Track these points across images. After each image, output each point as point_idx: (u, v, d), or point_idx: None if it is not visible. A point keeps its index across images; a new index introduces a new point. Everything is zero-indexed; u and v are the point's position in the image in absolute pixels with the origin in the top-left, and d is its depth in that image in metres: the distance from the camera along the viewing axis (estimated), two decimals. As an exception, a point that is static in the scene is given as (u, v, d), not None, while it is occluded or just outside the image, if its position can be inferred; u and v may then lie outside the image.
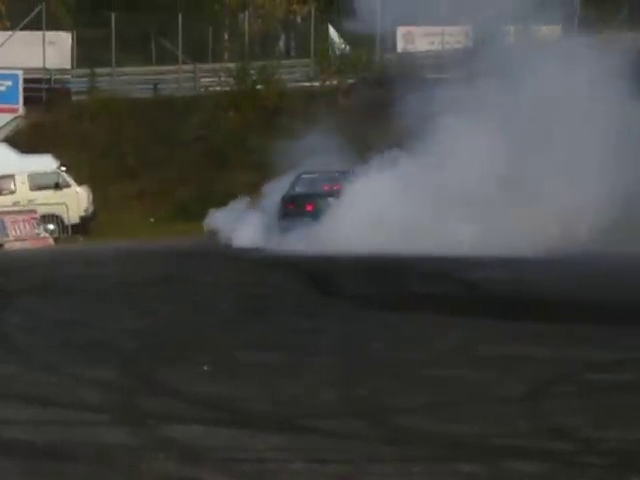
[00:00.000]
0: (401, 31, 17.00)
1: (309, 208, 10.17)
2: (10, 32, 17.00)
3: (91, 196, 13.87)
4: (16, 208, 13.28)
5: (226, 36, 19.20)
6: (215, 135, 15.32)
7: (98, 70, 16.72)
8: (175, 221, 13.88)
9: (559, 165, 9.43)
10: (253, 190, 12.08)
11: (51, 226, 13.18)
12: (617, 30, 10.25)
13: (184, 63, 17.13)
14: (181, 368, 4.30)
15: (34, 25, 16.83)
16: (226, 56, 18.41)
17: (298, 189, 10.77)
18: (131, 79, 16.93)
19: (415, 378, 4.10)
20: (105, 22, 16.58)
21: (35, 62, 16.39)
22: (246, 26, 18.31)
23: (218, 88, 16.35)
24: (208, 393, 3.81)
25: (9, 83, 16.23)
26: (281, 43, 19.71)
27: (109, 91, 16.35)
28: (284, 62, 17.11)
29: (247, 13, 18.91)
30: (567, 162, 9.40)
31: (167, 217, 14.35)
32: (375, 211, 9.42)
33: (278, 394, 3.79)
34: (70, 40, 16.93)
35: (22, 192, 13.63)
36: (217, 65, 17.12)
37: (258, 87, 16.04)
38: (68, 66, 16.94)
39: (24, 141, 14.97)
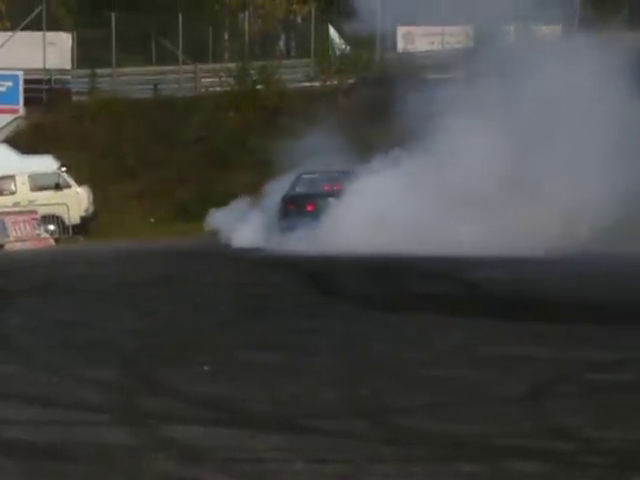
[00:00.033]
0: (401, 31, 17.00)
1: (309, 208, 10.17)
2: (10, 33, 17.02)
3: (91, 196, 13.89)
4: (17, 209, 13.30)
5: (226, 36, 19.21)
6: (215, 135, 15.32)
7: (98, 70, 16.74)
8: (175, 221, 13.89)
9: (560, 165, 9.42)
10: (253, 190, 12.08)
11: (52, 226, 13.20)
12: (617, 30, 10.25)
13: (184, 63, 17.14)
14: (181, 368, 4.30)
15: (34, 26, 16.84)
16: (226, 56, 18.42)
17: (298, 189, 10.77)
18: (131, 79, 16.94)
19: (416, 378, 4.10)
20: (105, 22, 16.60)
21: (35, 63, 16.41)
22: (246, 26, 18.32)
23: (218, 88, 16.37)
24: (208, 393, 3.81)
25: (9, 84, 16.24)
26: (281, 43, 19.72)
27: (109, 91, 16.37)
28: (284, 62, 17.12)
29: (247, 13, 18.92)
30: (568, 162, 9.40)
31: (167, 217, 14.36)
32: (376, 211, 9.42)
33: (278, 394, 3.78)
34: (70, 41, 16.94)
35: (22, 193, 13.65)
36: (217, 65, 17.13)
37: (258, 87, 16.05)
38: (68, 67, 16.96)
39: (24, 142, 14.99)
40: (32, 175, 13.60)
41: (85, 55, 16.79)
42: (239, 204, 11.71)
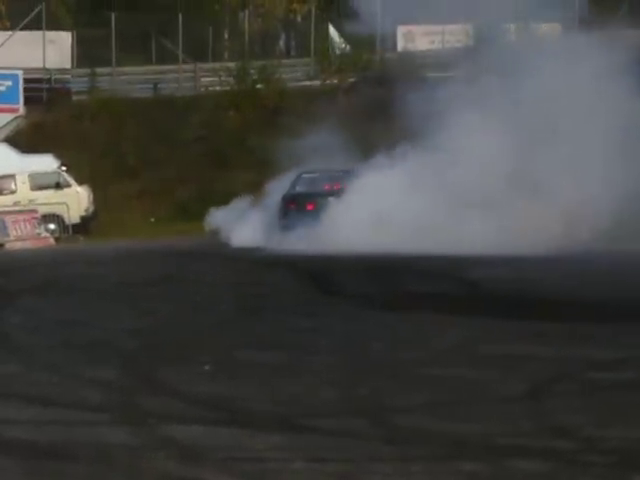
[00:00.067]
0: (401, 30, 16.97)
1: (310, 207, 10.16)
2: (10, 32, 17.00)
3: (92, 196, 13.87)
4: (17, 208, 13.29)
5: (226, 35, 19.19)
6: (215, 135, 15.30)
7: (98, 70, 16.72)
8: (175, 221, 13.87)
9: (562, 163, 9.40)
10: (253, 189, 12.07)
11: (52, 226, 13.19)
12: (617, 27, 10.23)
13: (184, 63, 17.12)
14: (181, 368, 4.30)
15: (34, 25, 16.83)
16: (226, 55, 18.40)
17: (299, 188, 10.77)
18: (131, 79, 16.92)
19: (415, 377, 4.09)
20: (105, 22, 16.58)
21: (35, 62, 16.39)
22: (246, 25, 18.30)
23: (218, 87, 16.33)
24: (208, 393, 3.81)
25: (9, 83, 16.23)
26: (281, 42, 19.70)
27: (109, 91, 16.34)
28: (284, 61, 17.09)
29: (247, 12, 18.90)
30: (569, 160, 9.38)
31: (167, 217, 14.35)
32: (375, 210, 9.41)
33: (278, 393, 3.78)
34: (70, 40, 16.92)
35: (23, 192, 13.64)
36: (217, 64, 17.10)
37: (258, 86, 16.03)
38: (68, 66, 16.94)
39: (24, 141, 14.97)
40: (32, 174, 13.59)
41: (85, 54, 16.78)
42: (239, 203, 11.70)
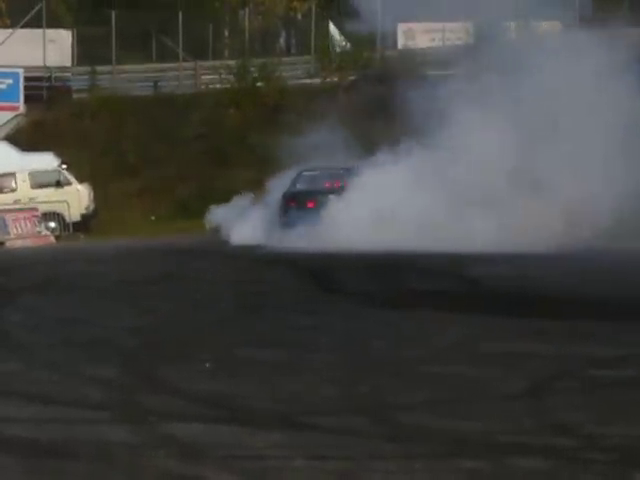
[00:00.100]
0: (402, 27, 16.94)
1: (310, 205, 10.15)
2: (11, 30, 16.97)
3: (92, 194, 13.86)
4: (17, 206, 13.28)
5: (226, 33, 19.15)
6: (215, 132, 15.28)
7: (98, 68, 16.69)
8: (176, 219, 13.86)
9: (563, 161, 9.38)
10: (254, 187, 12.05)
11: (52, 224, 13.18)
12: (617, 26, 10.21)
13: (184, 60, 17.09)
14: (181, 366, 4.29)
15: (34, 23, 16.80)
16: (226, 53, 18.36)
17: (299, 186, 10.76)
18: (131, 77, 16.89)
19: (416, 375, 4.09)
20: (105, 20, 16.55)
21: (36, 60, 16.37)
22: (246, 23, 18.26)
23: (218, 85, 16.31)
24: (208, 391, 3.80)
25: (10, 81, 16.21)
26: (281, 40, 19.66)
27: (109, 89, 16.33)
28: (285, 59, 17.06)
29: (247, 10, 18.85)
30: (570, 158, 9.36)
31: (168, 215, 14.34)
32: (376, 208, 9.41)
33: (278, 391, 3.78)
34: (70, 38, 16.89)
35: (23, 190, 13.62)
36: (217, 62, 17.07)
37: (259, 84, 16.00)
38: (68, 64, 16.92)
39: (25, 139, 14.96)
40: (33, 172, 13.58)
41: (85, 52, 16.76)
42: (240, 201, 11.69)
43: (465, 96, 9.44)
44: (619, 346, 4.62)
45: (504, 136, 9.42)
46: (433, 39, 16.52)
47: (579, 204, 9.22)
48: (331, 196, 10.05)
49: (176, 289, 7.00)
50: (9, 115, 16.11)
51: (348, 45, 16.73)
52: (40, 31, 16.67)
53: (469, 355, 4.46)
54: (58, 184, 13.60)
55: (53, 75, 16.67)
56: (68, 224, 13.34)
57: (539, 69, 9.83)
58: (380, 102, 12.72)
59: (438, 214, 9.14)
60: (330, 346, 4.70)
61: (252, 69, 16.17)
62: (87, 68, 16.75)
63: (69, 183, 13.68)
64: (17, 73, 16.19)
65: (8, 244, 12.41)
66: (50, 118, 15.87)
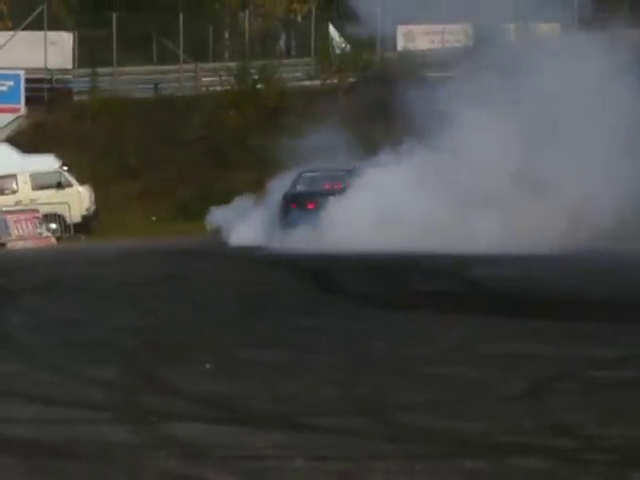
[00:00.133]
0: (401, 30, 16.97)
1: (310, 206, 10.16)
2: (12, 32, 16.99)
3: (93, 195, 13.86)
4: (18, 207, 13.28)
5: (227, 35, 19.18)
6: (216, 134, 15.30)
7: (99, 70, 16.71)
8: (176, 220, 13.87)
9: (565, 162, 9.39)
10: (254, 189, 12.06)
11: (53, 225, 13.18)
12: (617, 27, 10.23)
13: (185, 62, 17.11)
14: (182, 367, 4.30)
15: (36, 25, 16.83)
16: (227, 55, 18.38)
17: (299, 187, 10.77)
18: (132, 79, 16.91)
19: (417, 376, 4.10)
20: (106, 22, 16.58)
21: (37, 62, 16.39)
22: (247, 25, 18.28)
23: (219, 87, 16.31)
24: (209, 391, 3.81)
25: (11, 83, 16.23)
26: (282, 42, 19.69)
27: (110, 91, 16.34)
28: (285, 61, 17.07)
29: (247, 12, 18.88)
30: (573, 159, 9.36)
31: (168, 216, 14.35)
32: (376, 209, 9.41)
33: (279, 392, 3.78)
34: (71, 40, 16.92)
35: (24, 191, 13.64)
36: (218, 64, 17.08)
37: (259, 86, 16.01)
38: (69, 66, 16.95)
39: (26, 141, 14.98)
40: (34, 174, 13.60)
41: (86, 54, 16.78)
42: (240, 202, 11.70)
43: (465, 97, 9.45)
44: (619, 347, 4.63)
45: (504, 137, 9.43)
46: (433, 41, 16.55)
47: (581, 205, 9.22)
48: (331, 197, 10.05)
49: (177, 290, 7.01)
50: (10, 117, 16.14)
51: (348, 47, 16.76)
52: (41, 33, 16.70)
53: (469, 356, 4.46)
54: (59, 186, 13.61)
55: (54, 77, 16.69)
56: (69, 225, 13.34)
57: (539, 70, 9.84)
58: (380, 104, 12.74)
59: (438, 215, 9.15)
60: (330, 347, 4.71)
61: (252, 71, 16.19)
62: (88, 70, 16.77)
63: (70, 185, 13.69)
64: (18, 75, 16.22)
65: (9, 245, 12.42)
66: (51, 120, 15.90)
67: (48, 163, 13.74)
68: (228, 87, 16.14)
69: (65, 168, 13.78)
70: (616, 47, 9.73)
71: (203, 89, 16.74)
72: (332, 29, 17.29)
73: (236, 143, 15.03)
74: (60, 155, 13.87)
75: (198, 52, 17.37)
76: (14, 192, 13.65)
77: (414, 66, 13.53)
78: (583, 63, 9.58)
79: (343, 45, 16.89)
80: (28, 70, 16.26)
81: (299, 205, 10.32)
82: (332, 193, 10.17)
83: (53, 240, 12.96)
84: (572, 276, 7.06)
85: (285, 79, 16.20)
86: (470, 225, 9.01)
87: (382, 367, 4.25)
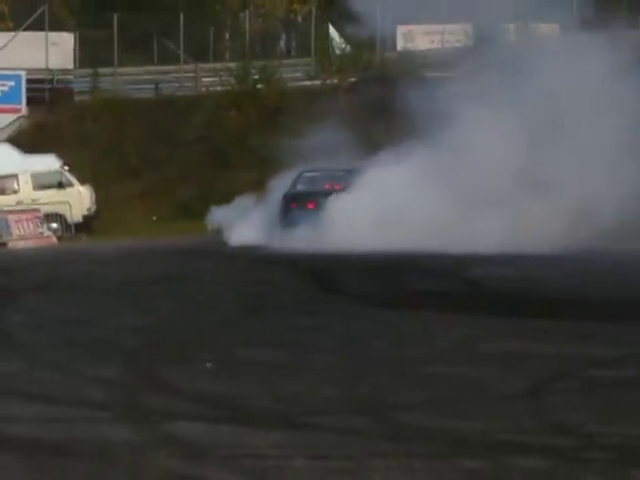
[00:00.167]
0: (401, 30, 16.98)
1: (310, 206, 10.17)
2: (13, 33, 17.02)
3: (94, 195, 13.88)
4: (20, 207, 13.29)
5: (227, 36, 19.19)
6: (216, 134, 15.31)
7: (100, 70, 16.73)
8: (177, 220, 13.88)
9: (565, 162, 9.39)
10: (254, 189, 12.07)
11: (54, 225, 13.19)
12: (617, 28, 10.23)
13: (185, 63, 17.11)
14: (182, 366, 4.31)
15: (37, 26, 16.84)
16: (227, 56, 18.40)
17: (300, 187, 10.78)
18: (133, 79, 16.92)
19: (417, 375, 4.10)
20: (107, 23, 16.60)
21: (38, 63, 16.41)
22: (247, 26, 18.28)
23: (219, 88, 16.31)
24: (209, 391, 3.82)
25: (12, 83, 16.25)
26: (282, 42, 19.70)
27: (111, 91, 16.35)
28: (285, 61, 17.08)
29: (248, 13, 18.89)
30: (573, 159, 9.37)
31: (169, 216, 14.36)
32: (376, 209, 9.41)
33: (279, 391, 3.79)
34: (73, 41, 16.93)
35: (25, 191, 13.65)
36: (218, 65, 17.09)
37: (259, 86, 16.01)
38: (71, 66, 16.96)
39: (27, 141, 15.00)
40: (35, 174, 13.61)
41: (87, 55, 16.80)
42: (241, 202, 11.71)
43: (465, 97, 9.46)
44: (619, 347, 4.64)
45: (503, 137, 9.44)
46: (432, 41, 16.55)
47: (581, 205, 9.22)
48: (331, 197, 10.06)
49: (177, 290, 7.02)
50: (12, 117, 16.15)
51: (348, 47, 16.77)
52: (43, 34, 16.71)
53: (469, 355, 4.47)
54: (60, 185, 13.62)
55: (55, 77, 16.70)
56: (70, 225, 13.35)
57: (539, 71, 9.84)
58: (380, 104, 12.75)
59: (437, 215, 9.15)
60: (330, 346, 4.71)
61: (253, 71, 16.20)
62: (89, 70, 16.78)
63: (71, 184, 13.70)
64: (20, 75, 16.23)
65: (11, 245, 12.43)
66: (52, 120, 15.91)
67: (49, 163, 13.74)
68: (228, 87, 16.15)
69: (66, 168, 13.79)
70: (616, 47, 9.72)
71: (203, 89, 16.76)
72: (332, 29, 17.30)
73: (236, 143, 15.04)
74: (61, 155, 13.88)
75: (199, 52, 17.38)
76: (15, 192, 13.66)
77: (414, 66, 13.54)
78: (582, 63, 9.59)
79: (343, 45, 16.90)
80: (29, 70, 16.27)
81: (299, 205, 10.33)
82: (332, 193, 10.18)
83: (54, 240, 12.96)
84: (572, 276, 7.07)
85: (285, 79, 16.20)
86: (470, 225, 9.01)
87: (382, 366, 4.26)
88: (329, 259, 8.28)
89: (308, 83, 16.44)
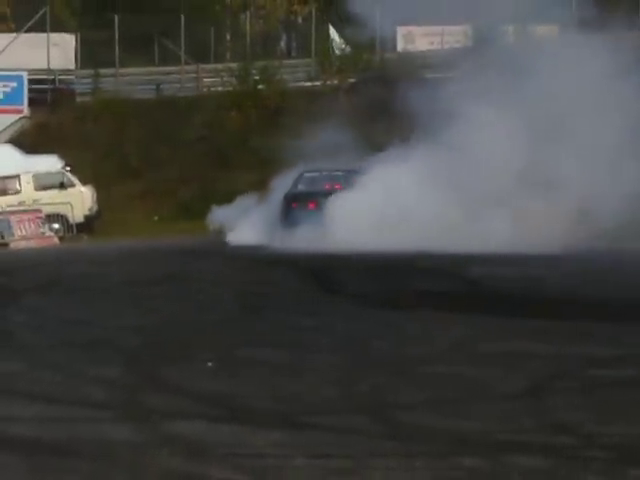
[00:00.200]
0: (401, 31, 16.99)
1: (311, 206, 10.17)
2: (15, 34, 17.05)
3: (95, 195, 13.90)
4: (21, 208, 13.32)
5: (228, 37, 19.22)
6: (217, 135, 15.32)
7: (102, 71, 16.77)
8: (178, 220, 13.89)
9: (565, 162, 9.39)
10: (255, 189, 12.07)
11: (56, 225, 13.22)
12: (615, 30, 10.25)
13: (186, 64, 17.14)
14: (184, 365, 4.32)
15: (39, 27, 16.87)
16: (228, 56, 18.42)
17: (300, 187, 10.79)
18: (134, 80, 16.94)
19: (417, 375, 4.11)
20: (109, 24, 16.63)
21: (40, 63, 16.45)
22: (248, 26, 18.31)
23: (220, 88, 16.34)
24: (210, 390, 3.83)
25: (14, 84, 16.29)
26: (282, 43, 19.72)
27: (112, 92, 16.39)
28: (285, 62, 17.10)
29: (248, 14, 18.92)
30: (573, 159, 9.37)
31: (170, 216, 14.37)
32: (378, 209, 9.42)
33: (279, 391, 3.80)
34: (74, 42, 16.96)
35: (27, 192, 13.68)
36: (219, 65, 17.12)
37: (260, 87, 16.04)
38: (72, 67, 16.99)
39: (29, 141, 15.02)
40: (36, 174, 13.63)
41: (89, 56, 16.83)
42: (243, 201, 11.71)
43: (464, 98, 9.47)
44: (619, 346, 4.64)
45: (503, 137, 9.44)
46: (432, 42, 16.56)
47: (582, 205, 9.22)
48: (332, 197, 10.07)
49: (179, 290, 7.03)
50: (13, 118, 16.18)
51: (348, 48, 16.77)
52: (44, 35, 16.74)
53: (469, 355, 4.48)
54: (62, 186, 13.64)
55: (57, 78, 16.73)
56: (71, 225, 13.37)
57: (538, 71, 9.84)
58: (380, 104, 12.75)
59: (437, 215, 9.16)
60: (331, 346, 4.72)
61: (253, 72, 16.21)
62: (90, 71, 16.80)
63: (72, 185, 13.72)
64: (21, 76, 16.27)
65: (12, 245, 12.46)
66: (54, 121, 15.94)
67: (51, 163, 13.77)
68: (229, 88, 16.18)
69: (68, 168, 13.81)
70: (615, 48, 9.72)
71: (204, 90, 16.78)
72: (332, 30, 17.31)
73: (237, 143, 15.05)
74: (63, 155, 13.90)
75: (200, 53, 17.41)
76: (17, 192, 13.68)
77: (414, 67, 13.54)
78: (582, 64, 9.59)
79: (343, 46, 16.91)
80: (31, 71, 16.30)
81: (300, 205, 10.33)
82: (333, 193, 10.18)
83: (56, 240, 12.99)
84: (572, 276, 7.07)
85: (286, 80, 16.22)
86: (470, 225, 9.01)
87: (382, 366, 4.26)
88: (330, 259, 8.28)
89: (308, 84, 16.44)
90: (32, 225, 12.91)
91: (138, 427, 3.31)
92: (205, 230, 11.92)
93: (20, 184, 13.74)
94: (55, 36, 16.85)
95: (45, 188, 13.65)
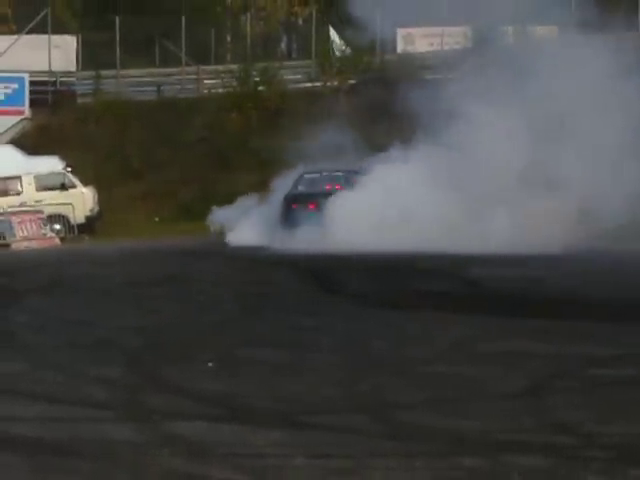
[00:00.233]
0: (401, 32, 17.02)
1: (311, 207, 10.19)
2: (16, 36, 17.09)
3: (96, 196, 13.92)
4: (23, 208, 13.35)
5: (228, 38, 19.25)
6: (218, 136, 15.34)
7: (103, 72, 16.79)
8: (179, 221, 13.92)
9: (566, 162, 9.40)
10: (255, 190, 12.10)
11: (57, 226, 13.24)
12: (615, 30, 10.26)
13: (187, 65, 17.17)
14: (184, 366, 4.34)
15: (40, 29, 16.91)
16: (228, 58, 18.45)
17: (301, 188, 10.80)
18: (135, 81, 16.98)
19: (417, 375, 4.12)
20: (110, 25, 16.67)
21: (41, 65, 16.48)
22: (248, 28, 18.33)
23: (221, 90, 16.34)
24: (211, 390, 3.84)
25: (15, 86, 16.33)
26: (283, 44, 19.75)
27: (113, 93, 16.43)
28: (286, 63, 17.14)
29: (249, 15, 18.95)
30: (573, 159, 9.38)
31: (171, 217, 14.40)
32: (378, 209, 9.43)
33: (279, 391, 3.81)
34: (75, 43, 16.99)
35: (29, 193, 13.70)
36: (220, 67, 17.14)
37: (260, 88, 16.06)
38: (73, 69, 17.02)
39: (30, 143, 15.05)
40: (38, 175, 13.65)
41: (90, 57, 16.86)
42: (244, 202, 11.73)
43: (464, 98, 9.48)
44: (618, 346, 4.65)
45: (503, 137, 9.45)
46: (432, 44, 16.58)
47: (582, 205, 9.23)
48: (332, 198, 10.09)
49: (179, 290, 7.04)
50: (15, 119, 16.22)
51: (348, 50, 16.80)
52: (45, 37, 16.77)
53: (469, 355, 4.49)
54: (63, 187, 13.67)
55: (58, 80, 16.77)
56: (73, 226, 13.38)
57: (538, 72, 9.85)
58: (380, 105, 12.77)
59: (437, 216, 9.17)
60: (331, 346, 4.73)
61: (254, 73, 16.23)
62: (91, 73, 16.83)
63: (74, 186, 13.74)
64: (23, 78, 16.31)
65: (14, 246, 12.46)
66: (55, 122, 15.97)
67: (52, 165, 13.79)
68: (230, 89, 16.19)
69: (69, 169, 13.84)
70: (615, 48, 9.74)
71: (205, 91, 16.80)
72: (332, 32, 17.33)
73: (238, 145, 15.07)
74: (64, 157, 13.92)
75: (200, 55, 17.43)
76: (19, 193, 13.70)
77: (414, 68, 13.55)
78: (582, 64, 9.60)
79: (343, 48, 16.93)
80: (32, 73, 16.33)
81: (300, 206, 10.35)
82: (333, 194, 10.20)
83: (57, 241, 13.00)
84: (572, 276, 7.07)
85: (286, 81, 16.24)
86: (470, 225, 9.03)
87: (382, 366, 4.28)
88: (330, 260, 8.29)
89: (309, 85, 16.46)
90: (33, 226, 12.93)
91: (139, 427, 3.32)
92: (206, 231, 11.94)
93: (22, 185, 13.77)
94: (56, 38, 16.89)
95: (46, 189, 13.67)
